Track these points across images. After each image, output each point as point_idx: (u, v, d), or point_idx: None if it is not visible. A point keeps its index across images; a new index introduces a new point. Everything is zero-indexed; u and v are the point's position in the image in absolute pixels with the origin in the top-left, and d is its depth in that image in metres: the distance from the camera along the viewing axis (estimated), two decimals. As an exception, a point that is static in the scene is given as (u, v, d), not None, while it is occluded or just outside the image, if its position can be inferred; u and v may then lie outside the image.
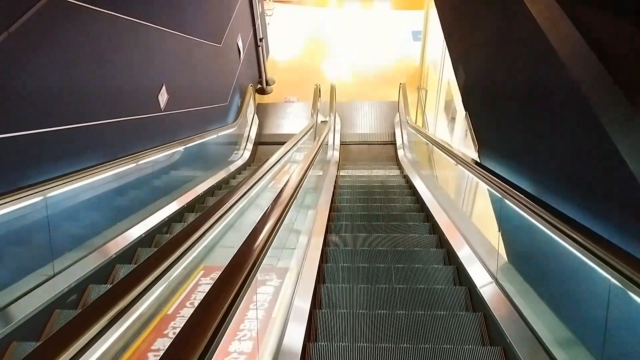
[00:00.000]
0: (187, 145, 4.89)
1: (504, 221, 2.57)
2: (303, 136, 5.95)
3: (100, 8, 3.37)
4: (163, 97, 4.58)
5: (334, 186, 6.08)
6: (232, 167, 6.68)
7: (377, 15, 12.98)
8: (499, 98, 2.95)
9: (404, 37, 11.71)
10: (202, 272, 2.75)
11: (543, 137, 2.26)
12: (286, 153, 4.72)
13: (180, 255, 1.99)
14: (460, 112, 5.81)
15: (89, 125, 3.27)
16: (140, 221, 3.75)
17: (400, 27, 12.22)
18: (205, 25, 6.12)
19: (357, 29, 12.26)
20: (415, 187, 5.74)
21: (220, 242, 2.96)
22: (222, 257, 2.82)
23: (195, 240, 2.17)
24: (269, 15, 12.63)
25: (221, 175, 5.98)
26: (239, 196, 2.74)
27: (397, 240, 3.97)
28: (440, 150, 4.52)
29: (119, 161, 3.40)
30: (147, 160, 3.82)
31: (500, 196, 2.41)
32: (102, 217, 3.41)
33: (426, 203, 4.88)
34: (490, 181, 2.56)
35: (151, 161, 3.93)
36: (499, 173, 2.68)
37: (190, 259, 2.25)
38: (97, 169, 3.13)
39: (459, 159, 3.47)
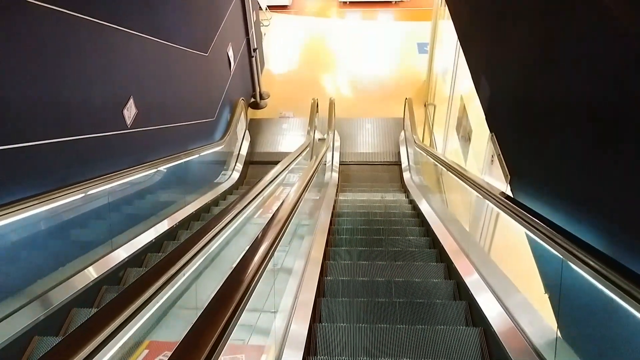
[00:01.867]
0: (159, 168, 4.25)
1: (565, 291, 1.90)
2: (296, 157, 5.30)
3: (45, 3, 2.75)
4: (130, 112, 3.94)
5: (332, 213, 5.43)
6: (218, 190, 6.02)
7: (380, 26, 12.45)
8: (543, 119, 2.30)
9: (409, 49, 11.15)
10: (145, 352, 2.07)
11: (619, 180, 1.61)
12: (276, 177, 4.09)
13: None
14: (480, 131, 5.17)
15: (20, 147, 2.62)
16: (80, 270, 3.07)
17: (405, 39, 11.66)
18: (188, 31, 5.52)
19: (359, 40, 11.71)
20: (424, 216, 5.08)
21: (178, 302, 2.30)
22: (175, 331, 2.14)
23: (133, 313, 1.52)
24: (266, 26, 12.10)
25: (203, 200, 5.32)
26: (208, 239, 2.09)
27: (404, 287, 3.31)
28: (459, 177, 3.87)
29: (59, 192, 2.74)
30: (100, 190, 3.16)
31: (559, 256, 1.74)
32: (30, 265, 2.74)
33: (439, 238, 4.22)
34: (544, 234, 1.89)
35: (106, 190, 3.27)
36: (544, 216, 2.03)
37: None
38: (25, 202, 2.47)
39: (485, 192, 2.81)
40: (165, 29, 4.72)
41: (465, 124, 5.50)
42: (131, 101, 3.96)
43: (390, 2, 13.01)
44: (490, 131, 3.17)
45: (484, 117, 4.78)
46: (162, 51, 4.68)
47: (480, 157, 4.72)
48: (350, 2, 13.06)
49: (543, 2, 2.28)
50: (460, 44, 4.16)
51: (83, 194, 2.98)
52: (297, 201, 3.17)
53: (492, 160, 3.18)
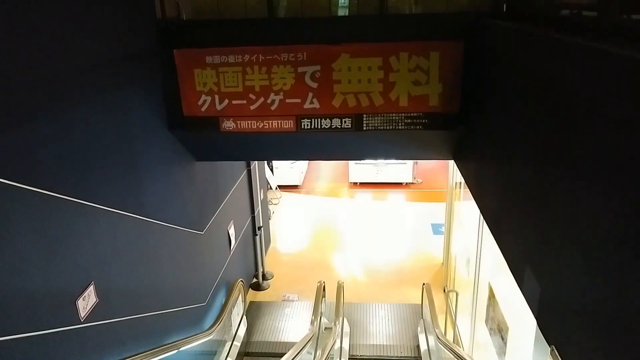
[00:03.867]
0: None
1: None
2: (293, 359, 4.37)
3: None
4: (87, 302, 3.21)
5: None
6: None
7: (392, 207, 12.25)
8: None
9: (423, 230, 10.71)
10: None
11: None
12: None
13: None
14: (520, 333, 4.27)
15: None
16: None
17: (418, 220, 11.32)
18: (180, 207, 5.07)
19: (370, 221, 11.40)
20: None
21: None
22: None
23: None
24: (275, 204, 11.97)
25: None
26: None
27: None
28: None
29: None
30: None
31: None
32: None
33: None
34: None
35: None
36: None
37: None
38: None
39: None
40: (149, 204, 4.24)
41: (497, 318, 4.62)
42: (91, 289, 3.26)
43: (401, 183, 13.04)
44: (549, 343, 2.34)
45: (524, 313, 3.91)
46: (143, 229, 4.13)
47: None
48: (360, 182, 13.13)
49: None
50: (490, 229, 3.55)
51: None
52: None
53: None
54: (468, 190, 7.49)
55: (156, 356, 4.06)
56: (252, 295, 8.44)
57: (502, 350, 4.45)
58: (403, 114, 4.57)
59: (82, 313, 3.16)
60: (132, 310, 3.88)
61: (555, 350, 2.26)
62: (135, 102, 4.02)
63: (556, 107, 2.38)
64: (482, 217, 5.47)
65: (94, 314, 3.29)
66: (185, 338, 4.83)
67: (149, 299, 4.29)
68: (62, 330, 3.00)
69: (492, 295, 4.87)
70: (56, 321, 2.94)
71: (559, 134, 2.32)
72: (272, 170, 12.45)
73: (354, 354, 6.86)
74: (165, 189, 4.66)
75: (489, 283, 4.97)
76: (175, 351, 4.45)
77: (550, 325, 2.40)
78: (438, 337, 5.36)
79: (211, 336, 5.53)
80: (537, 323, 2.48)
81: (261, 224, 8.64)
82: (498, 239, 3.36)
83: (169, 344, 4.39)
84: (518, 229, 2.95)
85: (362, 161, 12.73)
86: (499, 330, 4.57)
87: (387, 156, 7.37)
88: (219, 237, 6.53)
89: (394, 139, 4.84)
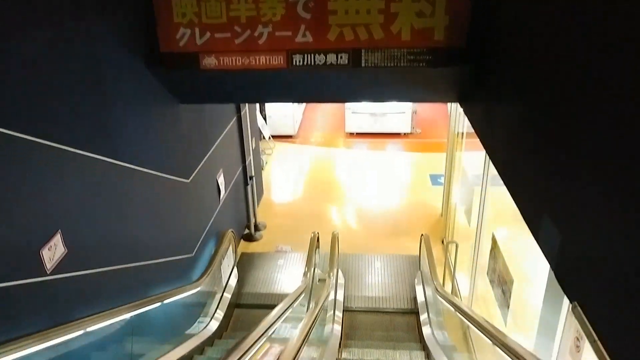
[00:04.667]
0: (90, 329, 3.10)
1: None
2: (286, 310, 4.16)
3: None
4: (53, 252, 2.93)
5: None
6: (184, 349, 4.76)
7: (390, 157, 11.94)
8: None
9: (421, 181, 10.45)
10: None
11: None
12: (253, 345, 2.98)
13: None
14: (526, 286, 4.06)
15: None
16: None
17: (417, 171, 11.06)
18: (163, 153, 4.73)
19: (367, 172, 11.12)
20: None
21: None
22: None
23: None
24: (268, 154, 11.63)
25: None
26: None
27: None
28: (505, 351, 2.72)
29: None
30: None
31: None
32: None
33: None
34: None
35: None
36: None
37: None
38: None
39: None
40: (125, 148, 3.90)
41: (501, 271, 4.40)
42: (58, 237, 2.97)
43: (400, 134, 12.67)
44: (570, 299, 2.08)
45: (532, 266, 3.68)
46: (118, 175, 3.80)
47: (528, 320, 3.55)
48: (357, 133, 12.75)
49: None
50: (502, 176, 3.24)
51: None
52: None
53: (577, 348, 2.05)
54: (471, 139, 7.17)
55: (137, 309, 3.83)
56: (244, 246, 8.24)
57: (504, 303, 4.25)
58: (405, 50, 4.16)
59: (49, 264, 2.89)
60: (108, 261, 3.62)
61: (579, 307, 1.99)
62: (103, 33, 3.60)
63: (589, 31, 2.01)
64: (486, 166, 5.17)
65: (63, 266, 3.02)
66: (171, 290, 4.61)
67: (128, 250, 4.02)
68: (25, 283, 2.73)
69: (495, 247, 4.64)
70: (18, 272, 2.66)
71: (589, 64, 1.97)
72: (264, 118, 12.02)
73: (349, 305, 6.72)
74: (144, 133, 4.31)
75: (493, 234, 4.72)
76: (159, 304, 4.23)
77: (572, 279, 2.13)
78: (436, 289, 5.17)
79: (199, 288, 5.32)
80: (557, 277, 2.21)
81: (253, 174, 8.34)
82: (511, 186, 3.06)
83: (152, 296, 4.16)
84: (535, 175, 2.64)
85: (359, 110, 12.29)
86: (502, 282, 4.36)
87: (386, 98, 6.93)
88: (207, 186, 6.23)
89: (395, 78, 4.45)
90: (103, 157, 3.52)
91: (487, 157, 5.13)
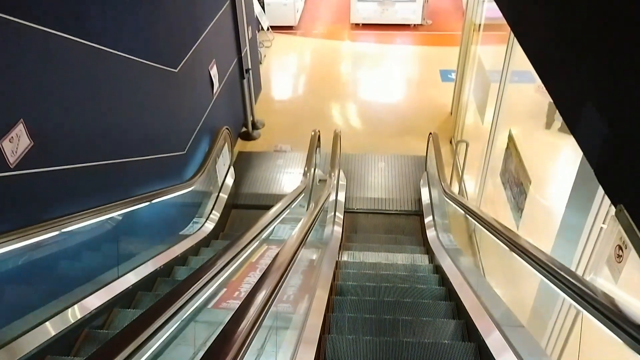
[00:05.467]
0: (63, 230, 2.87)
1: None
2: (283, 211, 3.94)
3: None
4: (15, 144, 2.61)
5: (331, 285, 4.06)
6: (178, 249, 4.63)
7: (397, 51, 11.25)
8: None
9: (431, 77, 9.89)
10: None
11: None
12: (240, 253, 2.79)
13: None
14: (545, 188, 3.78)
15: None
16: None
17: (426, 66, 10.45)
18: (144, 36, 4.24)
19: (373, 67, 10.51)
20: (459, 300, 3.65)
21: None
22: None
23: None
24: (267, 47, 10.95)
25: (145, 270, 3.93)
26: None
27: None
28: (531, 260, 2.49)
29: None
30: None
31: None
32: None
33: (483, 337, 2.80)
34: None
35: None
36: None
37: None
38: None
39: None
40: (98, 28, 3.42)
41: (516, 172, 4.11)
42: (20, 128, 2.63)
43: (409, 25, 11.85)
44: (614, 202, 1.77)
45: (555, 164, 3.37)
46: (91, 58, 3.37)
47: (545, 225, 3.30)
48: (363, 24, 11.92)
49: None
50: (534, 63, 2.80)
51: None
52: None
53: (618, 255, 1.78)
54: (489, 32, 6.56)
55: (121, 209, 3.60)
56: (241, 145, 7.95)
57: (518, 206, 4.02)
58: None
59: (11, 158, 2.57)
60: (85, 157, 3.31)
61: (625, 211, 1.69)
62: None
63: None
64: (506, 61, 4.69)
65: (30, 160, 2.71)
66: (161, 190, 4.37)
67: (109, 145, 3.70)
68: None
69: (511, 145, 4.31)
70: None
71: None
72: (262, 6, 11.15)
73: (350, 207, 6.57)
74: (121, 11, 3.79)
75: (510, 131, 4.37)
76: (147, 203, 4.00)
77: (617, 179, 1.80)
78: (444, 190, 4.93)
79: (193, 187, 5.09)
80: (598, 177, 1.89)
81: (250, 67, 7.80)
82: (545, 73, 2.63)
83: (138, 195, 3.91)
84: (578, 58, 2.22)
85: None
86: (517, 184, 4.09)
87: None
88: (198, 77, 5.77)
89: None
90: (72, 37, 3.07)
91: (507, 51, 4.66)
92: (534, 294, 3.26)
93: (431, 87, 9.53)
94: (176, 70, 4.92)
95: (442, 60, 10.26)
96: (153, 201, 4.13)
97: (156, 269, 4.13)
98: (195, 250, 4.96)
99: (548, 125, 6.22)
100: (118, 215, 3.61)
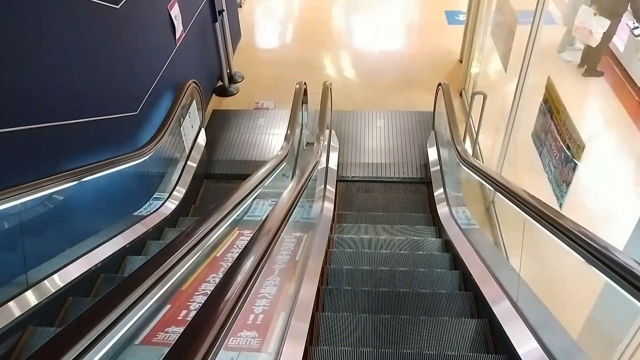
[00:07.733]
0: None
1: None
2: (255, 188, 3.07)
3: None
4: None
5: (321, 272, 3.29)
6: (130, 234, 3.79)
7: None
8: None
9: (435, 19, 8.88)
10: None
11: None
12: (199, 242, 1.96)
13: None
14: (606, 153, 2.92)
15: None
16: None
17: (429, 7, 9.41)
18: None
19: (369, 9, 9.46)
20: (483, 296, 2.87)
21: None
22: None
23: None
24: (248, -12, 9.81)
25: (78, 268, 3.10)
26: None
27: None
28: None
29: None
30: None
31: None
32: None
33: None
34: None
35: None
36: None
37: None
38: None
39: None
40: None
41: (561, 132, 3.24)
42: None
43: (409, -38, 10.66)
44: None
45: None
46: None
47: (607, 206, 2.49)
48: (357, -39, 10.71)
49: None
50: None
51: None
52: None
53: None
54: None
55: (40, 189, 2.75)
56: (216, 102, 6.99)
57: (562, 177, 3.17)
58: None
59: None
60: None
61: None
62: None
63: None
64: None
65: None
66: (101, 162, 3.48)
67: (21, 105, 2.79)
68: None
69: (552, 98, 3.42)
70: None
71: None
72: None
73: (344, 175, 5.71)
74: None
75: (549, 78, 3.47)
76: (76, 182, 3.12)
77: None
78: (460, 156, 4.06)
79: (148, 156, 4.20)
80: None
81: (223, 7, 6.75)
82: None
83: (65, 172, 3.03)
84: None
85: None
86: (559, 149, 3.23)
87: None
88: (152, 18, 4.78)
89: None
90: None
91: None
92: (591, 300, 2.48)
93: (436, 31, 8.51)
94: (117, 7, 3.93)
95: (447, 0, 9.24)
96: (89, 177, 3.27)
97: (96, 264, 3.32)
98: (158, 232, 4.15)
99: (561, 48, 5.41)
100: (39, 199, 2.78)
